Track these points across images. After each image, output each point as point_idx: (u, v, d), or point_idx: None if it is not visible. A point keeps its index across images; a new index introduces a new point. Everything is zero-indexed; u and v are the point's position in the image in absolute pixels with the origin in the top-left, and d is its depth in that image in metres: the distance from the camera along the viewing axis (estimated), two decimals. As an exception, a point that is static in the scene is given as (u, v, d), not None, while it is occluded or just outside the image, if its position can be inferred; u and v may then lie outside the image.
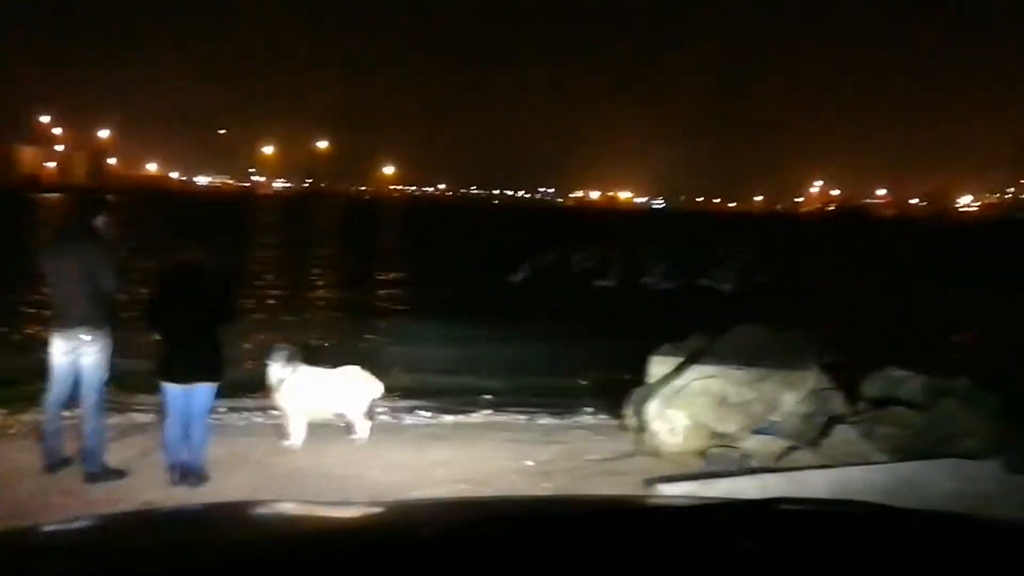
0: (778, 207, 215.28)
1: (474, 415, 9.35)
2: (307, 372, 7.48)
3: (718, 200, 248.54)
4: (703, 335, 8.77)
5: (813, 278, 32.40)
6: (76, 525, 2.07)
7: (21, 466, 6.41)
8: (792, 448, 7.33)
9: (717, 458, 7.27)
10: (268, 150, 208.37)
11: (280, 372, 7.35)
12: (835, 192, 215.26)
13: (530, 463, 7.23)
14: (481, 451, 7.57)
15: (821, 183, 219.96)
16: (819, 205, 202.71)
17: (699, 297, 25.66)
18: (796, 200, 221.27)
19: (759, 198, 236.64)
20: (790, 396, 7.77)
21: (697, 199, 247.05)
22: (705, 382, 7.77)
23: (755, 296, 25.35)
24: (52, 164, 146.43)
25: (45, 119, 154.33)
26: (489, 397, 10.80)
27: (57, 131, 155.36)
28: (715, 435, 7.54)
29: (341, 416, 7.69)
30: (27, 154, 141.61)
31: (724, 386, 7.72)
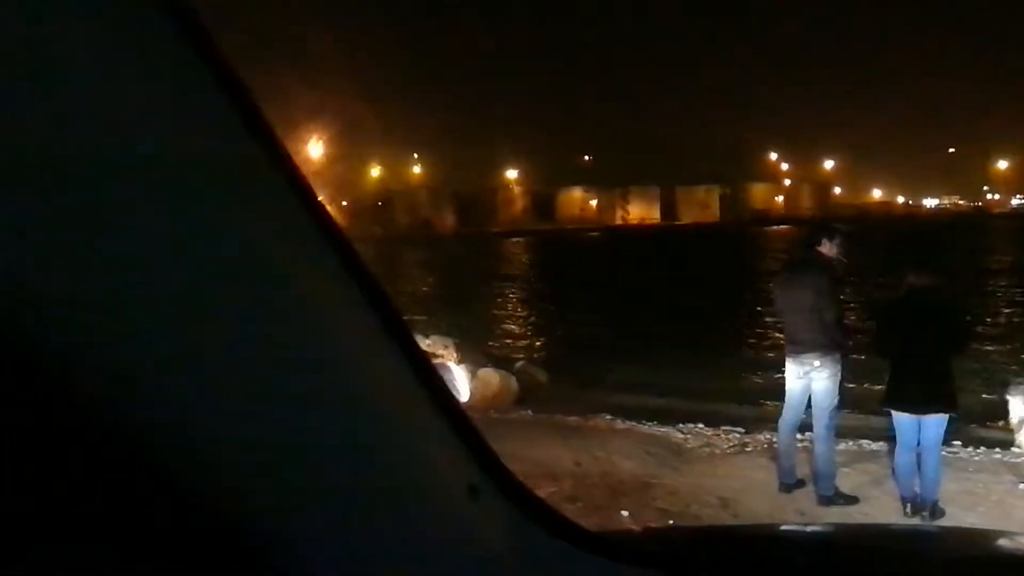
0: None
1: None
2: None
3: None
4: None
5: None
6: (813, 530, 2.23)
7: (757, 483, 6.86)
8: None
9: None
10: (1002, 165, 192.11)
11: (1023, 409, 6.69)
12: None
13: None
14: None
15: None
16: None
17: None
18: None
19: None
20: None
21: None
22: None
23: None
24: (780, 198, 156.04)
25: (773, 156, 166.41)
26: None
27: (784, 167, 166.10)
28: None
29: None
30: (758, 190, 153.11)
31: None
